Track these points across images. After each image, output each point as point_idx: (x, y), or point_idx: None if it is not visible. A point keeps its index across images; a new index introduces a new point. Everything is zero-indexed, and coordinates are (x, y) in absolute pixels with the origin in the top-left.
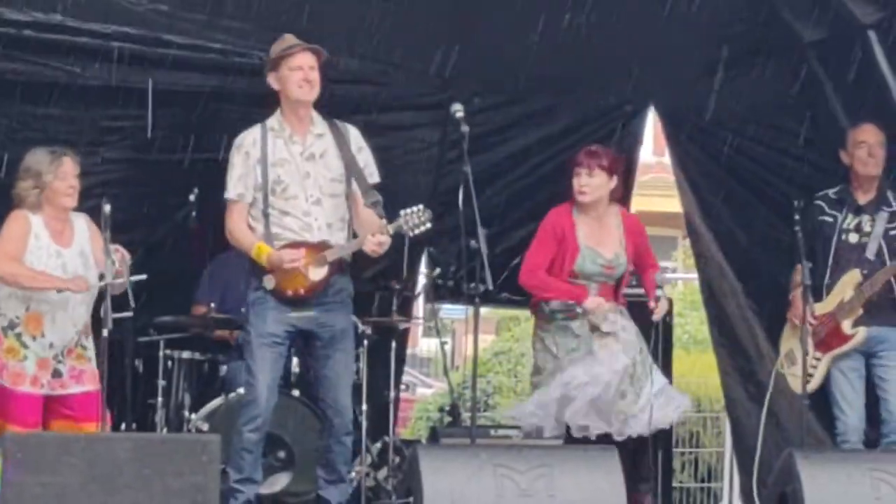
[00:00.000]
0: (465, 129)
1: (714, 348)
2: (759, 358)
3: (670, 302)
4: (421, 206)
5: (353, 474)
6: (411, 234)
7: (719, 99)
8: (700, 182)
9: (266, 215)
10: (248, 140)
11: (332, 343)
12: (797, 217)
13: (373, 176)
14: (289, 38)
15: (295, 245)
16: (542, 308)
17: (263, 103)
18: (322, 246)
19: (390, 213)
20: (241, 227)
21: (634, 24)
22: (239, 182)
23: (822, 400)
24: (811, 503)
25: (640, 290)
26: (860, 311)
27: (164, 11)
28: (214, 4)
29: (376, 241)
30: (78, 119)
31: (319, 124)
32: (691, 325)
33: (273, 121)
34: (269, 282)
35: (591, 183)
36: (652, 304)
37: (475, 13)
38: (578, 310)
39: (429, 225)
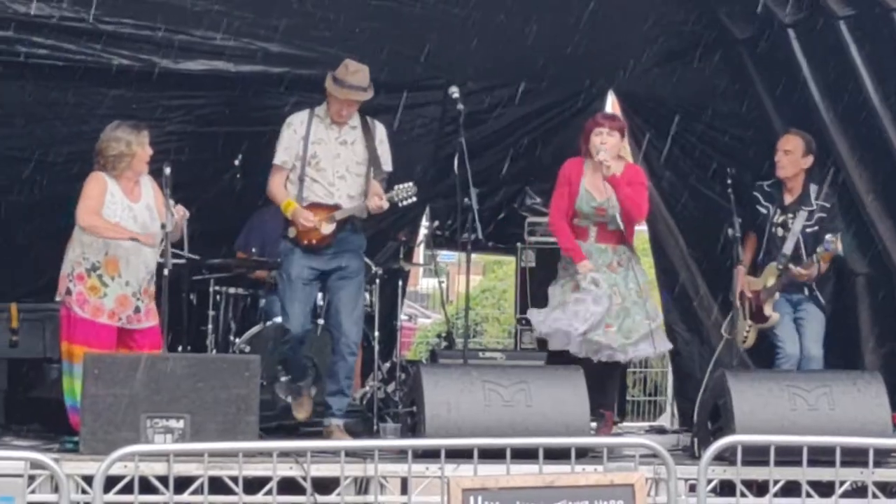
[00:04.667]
0: (460, 107)
1: (658, 289)
2: (697, 296)
3: None
4: (411, 183)
5: (367, 388)
6: (401, 204)
7: (668, 84)
8: (650, 152)
9: (301, 180)
10: (297, 120)
11: (342, 280)
12: (730, 181)
13: (387, 164)
14: (351, 73)
15: (314, 206)
16: None
17: (296, 88)
18: (335, 208)
19: (398, 175)
20: (278, 186)
21: (598, 24)
22: (284, 152)
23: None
24: (739, 413)
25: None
26: (777, 297)
27: (219, 10)
28: (259, 5)
29: (376, 203)
30: (146, 99)
31: (354, 118)
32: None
33: (320, 109)
34: (292, 231)
35: (609, 141)
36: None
37: (471, 15)
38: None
39: (414, 199)
